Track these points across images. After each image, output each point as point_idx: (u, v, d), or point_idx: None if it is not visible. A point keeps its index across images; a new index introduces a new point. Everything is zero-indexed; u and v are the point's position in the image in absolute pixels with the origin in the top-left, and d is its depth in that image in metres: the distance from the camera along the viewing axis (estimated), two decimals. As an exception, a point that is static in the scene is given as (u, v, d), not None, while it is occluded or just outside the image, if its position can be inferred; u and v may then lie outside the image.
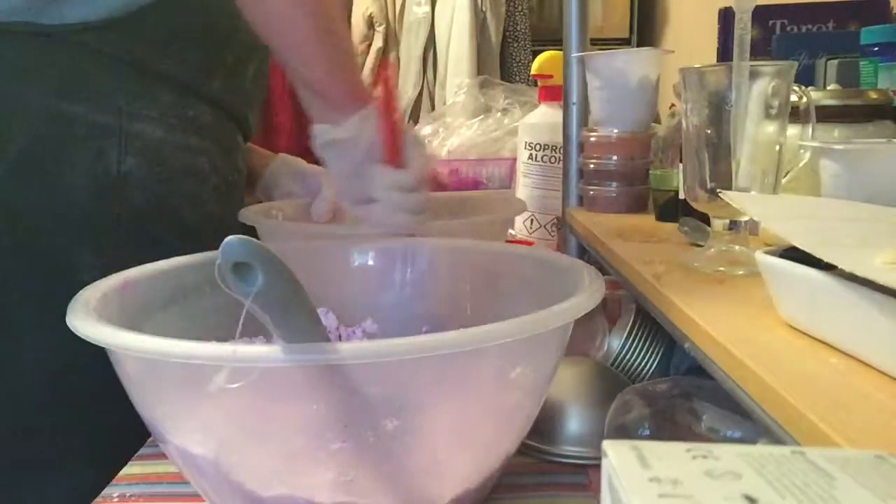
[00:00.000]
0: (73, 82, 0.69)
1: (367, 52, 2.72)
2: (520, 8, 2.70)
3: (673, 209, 0.82)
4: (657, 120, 1.07)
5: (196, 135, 0.76)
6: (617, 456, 0.23)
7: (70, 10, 0.68)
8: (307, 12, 0.65)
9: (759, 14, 1.01)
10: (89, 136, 0.69)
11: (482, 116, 1.54)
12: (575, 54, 1.01)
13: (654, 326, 0.72)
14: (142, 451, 0.62)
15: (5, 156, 0.68)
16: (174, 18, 0.73)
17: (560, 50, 1.05)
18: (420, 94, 2.64)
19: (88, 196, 0.70)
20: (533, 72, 1.28)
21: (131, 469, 0.59)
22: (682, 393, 0.55)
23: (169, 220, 0.74)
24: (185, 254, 0.62)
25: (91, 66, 0.70)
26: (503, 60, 2.66)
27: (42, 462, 0.72)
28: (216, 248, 0.39)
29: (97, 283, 0.52)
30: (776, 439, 0.37)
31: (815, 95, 0.67)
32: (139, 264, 0.58)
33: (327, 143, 0.68)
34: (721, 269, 0.58)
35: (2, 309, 0.69)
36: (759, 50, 0.94)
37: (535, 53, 1.41)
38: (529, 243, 1.14)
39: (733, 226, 0.60)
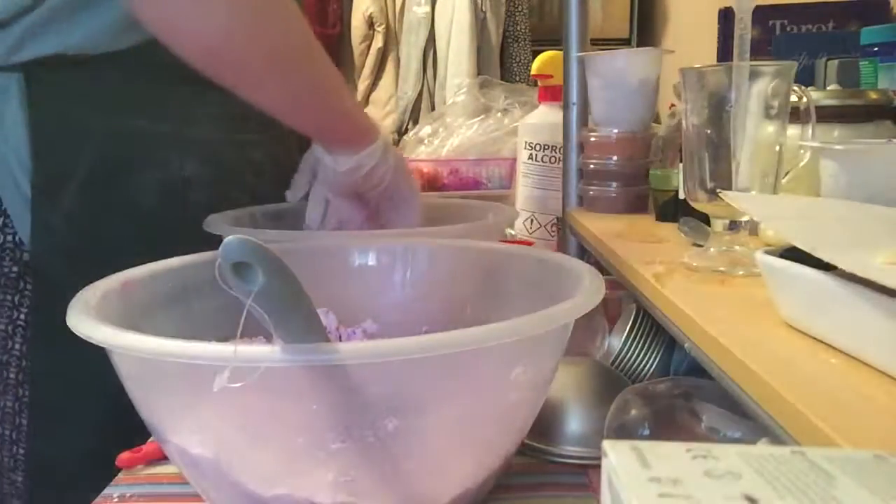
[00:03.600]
0: (129, 100, 0.72)
1: (367, 53, 2.72)
2: (520, 8, 2.70)
3: (673, 209, 0.82)
4: (657, 120, 1.07)
5: (249, 130, 0.79)
6: (617, 456, 0.23)
7: (122, 40, 0.70)
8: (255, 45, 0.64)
9: (759, 14, 1.01)
10: (151, 147, 0.73)
11: (482, 116, 1.54)
12: (575, 54, 1.01)
13: (654, 326, 0.72)
14: (142, 451, 0.61)
15: (75, 176, 0.72)
16: None
17: (560, 50, 1.05)
18: (420, 94, 2.64)
19: (156, 204, 0.74)
20: (533, 72, 1.28)
21: (131, 469, 0.59)
22: (682, 393, 0.55)
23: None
24: None
25: (143, 82, 0.72)
26: (503, 60, 2.66)
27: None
28: None
29: (97, 283, 0.52)
30: (776, 439, 0.37)
31: (815, 95, 0.66)
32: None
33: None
34: (721, 269, 0.58)
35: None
36: (759, 50, 0.94)
37: (535, 53, 1.41)
38: (529, 243, 1.14)
39: (733, 226, 0.60)
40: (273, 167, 0.82)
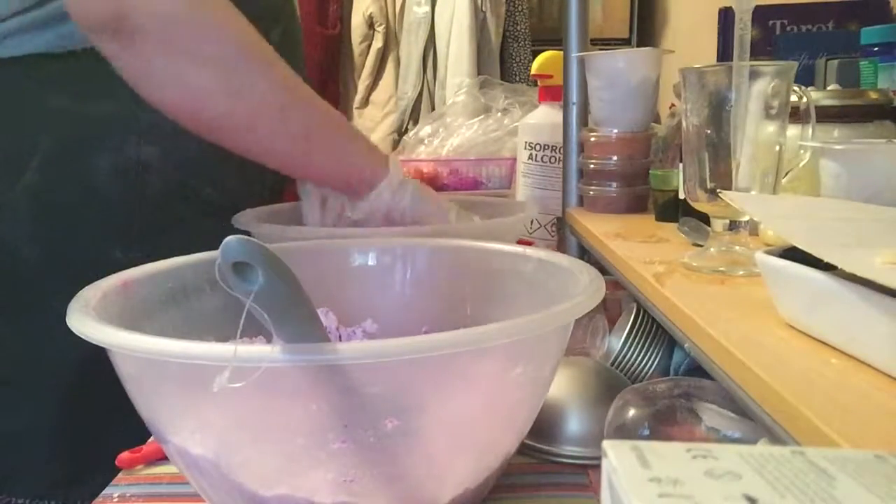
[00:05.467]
0: (89, 85, 0.73)
1: (367, 53, 2.72)
2: (520, 8, 2.70)
3: (673, 209, 0.82)
4: (657, 120, 1.07)
5: None
6: (617, 456, 0.23)
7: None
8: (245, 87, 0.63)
9: (759, 14, 1.01)
10: (109, 130, 0.73)
11: (482, 116, 1.54)
12: (575, 54, 1.01)
13: (654, 326, 0.72)
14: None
15: (36, 155, 0.73)
16: None
17: (560, 50, 1.05)
18: (420, 94, 2.64)
19: (112, 186, 0.75)
20: (533, 72, 1.28)
21: (131, 469, 0.59)
22: (682, 393, 0.55)
23: (190, 201, 0.78)
24: (210, 231, 0.64)
25: (103, 69, 0.71)
26: (503, 60, 2.66)
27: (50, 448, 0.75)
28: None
29: (97, 282, 0.52)
30: (776, 439, 0.37)
31: (815, 95, 0.67)
32: (166, 246, 0.59)
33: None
34: (721, 269, 0.58)
35: (38, 304, 0.73)
36: (759, 50, 0.94)
37: (535, 53, 1.41)
38: (529, 243, 1.14)
39: (733, 226, 0.60)
40: (237, 155, 0.82)
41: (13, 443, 0.76)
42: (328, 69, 2.77)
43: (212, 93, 0.63)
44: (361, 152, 0.72)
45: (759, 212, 0.53)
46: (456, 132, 1.49)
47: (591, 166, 0.94)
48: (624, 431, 0.54)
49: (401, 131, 2.58)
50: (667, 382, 0.57)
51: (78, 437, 0.75)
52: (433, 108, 2.53)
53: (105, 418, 0.71)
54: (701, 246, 0.65)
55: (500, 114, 1.51)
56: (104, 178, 0.75)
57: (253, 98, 0.64)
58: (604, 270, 0.63)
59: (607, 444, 0.24)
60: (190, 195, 0.78)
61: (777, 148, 0.59)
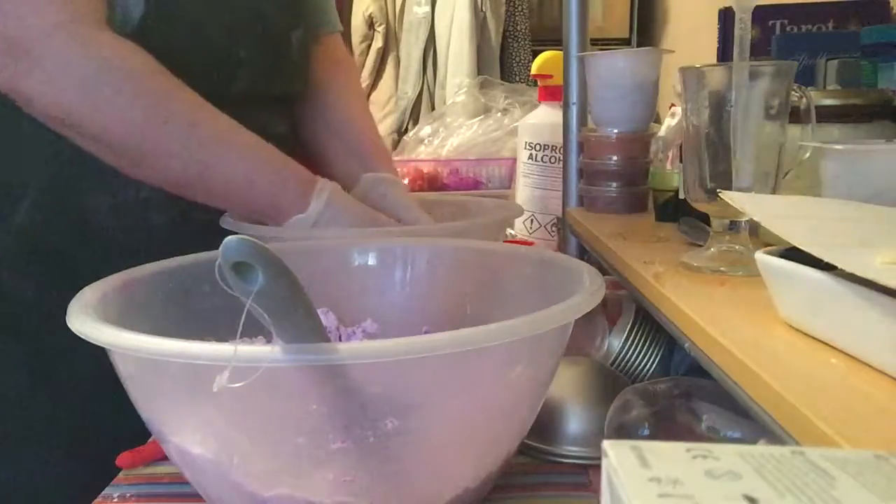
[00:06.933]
0: None
1: (367, 52, 2.73)
2: (520, 8, 2.71)
3: (673, 209, 0.82)
4: (657, 120, 1.07)
5: None
6: (617, 456, 0.23)
7: None
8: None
9: (759, 14, 1.01)
10: (105, 170, 0.70)
11: (482, 116, 1.54)
12: (575, 54, 1.01)
13: (654, 326, 0.72)
14: (142, 451, 0.61)
15: (27, 196, 0.71)
16: (167, 36, 0.71)
17: (560, 50, 1.05)
18: (420, 94, 2.65)
19: (113, 224, 0.72)
20: (533, 72, 1.28)
21: (131, 469, 0.59)
22: (682, 393, 0.55)
23: (197, 233, 0.73)
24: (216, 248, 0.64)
25: None
26: (503, 60, 2.66)
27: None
28: None
29: (97, 283, 0.52)
30: (776, 439, 0.37)
31: (815, 95, 0.66)
32: None
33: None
34: (721, 269, 0.58)
35: (36, 346, 0.71)
36: (759, 50, 0.94)
37: (535, 53, 1.41)
38: (529, 243, 1.14)
39: (733, 226, 0.60)
40: None
41: (16, 498, 0.75)
42: (328, 69, 2.76)
43: (71, 104, 0.64)
44: (269, 179, 0.69)
45: (759, 212, 0.53)
46: (456, 132, 1.49)
47: (592, 166, 0.94)
48: (624, 431, 0.54)
49: (401, 131, 2.58)
50: (667, 382, 0.57)
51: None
52: (433, 108, 2.53)
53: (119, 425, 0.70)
54: (701, 246, 0.65)
55: (500, 114, 1.51)
56: (105, 217, 0.72)
57: (113, 112, 0.64)
58: (604, 270, 0.63)
59: (607, 444, 0.24)
60: (192, 224, 0.75)
61: (777, 148, 0.59)
